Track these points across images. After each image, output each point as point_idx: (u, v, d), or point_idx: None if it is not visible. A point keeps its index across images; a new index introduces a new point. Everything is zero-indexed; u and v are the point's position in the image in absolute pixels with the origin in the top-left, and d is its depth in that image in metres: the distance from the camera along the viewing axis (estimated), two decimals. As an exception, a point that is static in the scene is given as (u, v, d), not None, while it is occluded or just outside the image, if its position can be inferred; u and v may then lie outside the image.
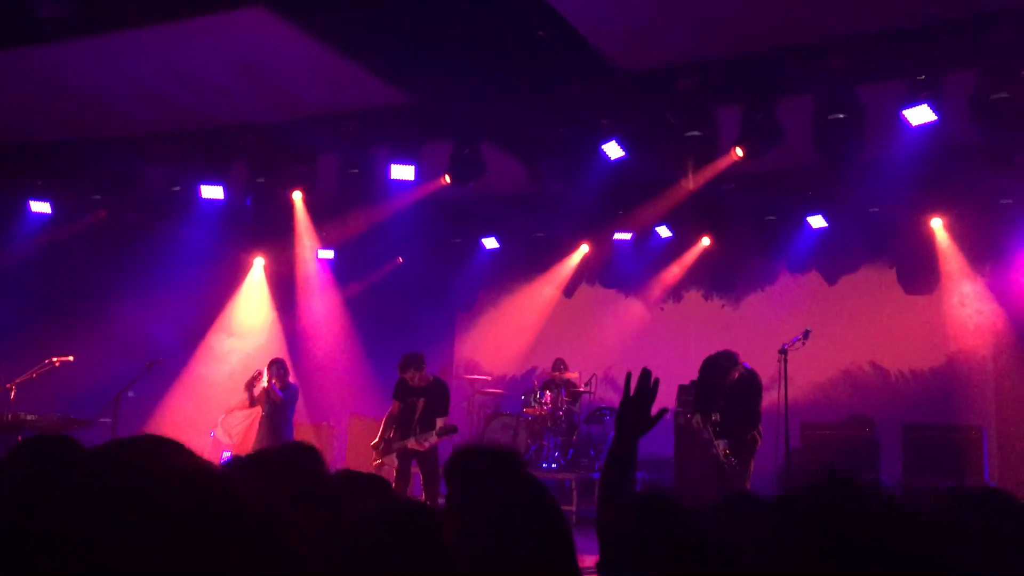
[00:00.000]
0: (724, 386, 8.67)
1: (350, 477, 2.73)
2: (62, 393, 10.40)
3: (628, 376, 2.86)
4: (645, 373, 2.87)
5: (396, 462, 9.07)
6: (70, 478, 1.12)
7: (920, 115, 8.27)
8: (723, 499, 2.66)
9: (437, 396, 9.11)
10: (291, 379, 10.85)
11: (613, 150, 9.67)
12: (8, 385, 9.93)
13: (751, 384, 8.71)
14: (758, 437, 8.70)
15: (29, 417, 9.52)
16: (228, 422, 11.32)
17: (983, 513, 2.15)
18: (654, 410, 2.88)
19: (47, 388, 10.16)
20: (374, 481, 2.78)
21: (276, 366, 10.66)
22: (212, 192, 11.16)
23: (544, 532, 2.29)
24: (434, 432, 8.92)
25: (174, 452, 2.12)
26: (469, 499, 2.39)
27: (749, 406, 8.63)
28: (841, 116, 8.46)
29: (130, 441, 2.14)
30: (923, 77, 8.15)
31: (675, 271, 13.41)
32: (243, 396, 10.65)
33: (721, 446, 8.63)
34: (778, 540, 1.30)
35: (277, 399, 10.28)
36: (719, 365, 8.72)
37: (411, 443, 8.94)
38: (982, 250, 11.49)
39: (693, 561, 2.23)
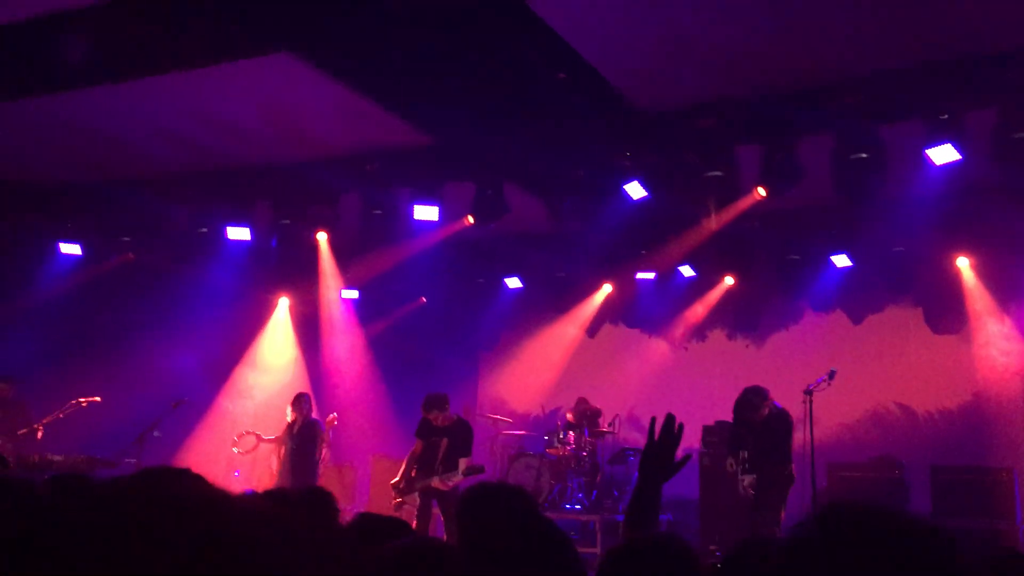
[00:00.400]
0: (755, 423, 8.64)
1: (369, 520, 2.73)
2: (89, 433, 10.47)
3: (652, 421, 2.85)
4: (670, 419, 2.85)
5: (418, 501, 9.02)
6: (86, 512, 1.14)
7: (944, 154, 8.24)
8: (739, 544, 2.62)
9: (460, 436, 9.08)
10: (314, 414, 10.87)
11: (635, 190, 9.69)
12: (35, 425, 10.02)
13: (781, 421, 8.70)
14: (790, 477, 8.63)
15: (55, 458, 9.59)
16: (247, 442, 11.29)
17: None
18: (678, 455, 2.86)
19: (74, 428, 10.24)
20: (393, 524, 2.78)
21: (302, 401, 10.71)
22: (238, 233, 11.30)
23: (558, 568, 2.27)
24: (459, 472, 8.88)
25: (194, 483, 2.14)
26: (484, 535, 2.37)
27: (778, 443, 8.58)
28: (863, 155, 8.45)
29: (153, 472, 2.17)
30: (945, 116, 8.13)
31: (699, 310, 13.35)
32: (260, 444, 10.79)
33: (746, 480, 8.57)
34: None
35: (328, 440, 10.48)
36: (749, 402, 8.72)
37: (435, 482, 8.90)
38: (1009, 289, 11.37)
39: None
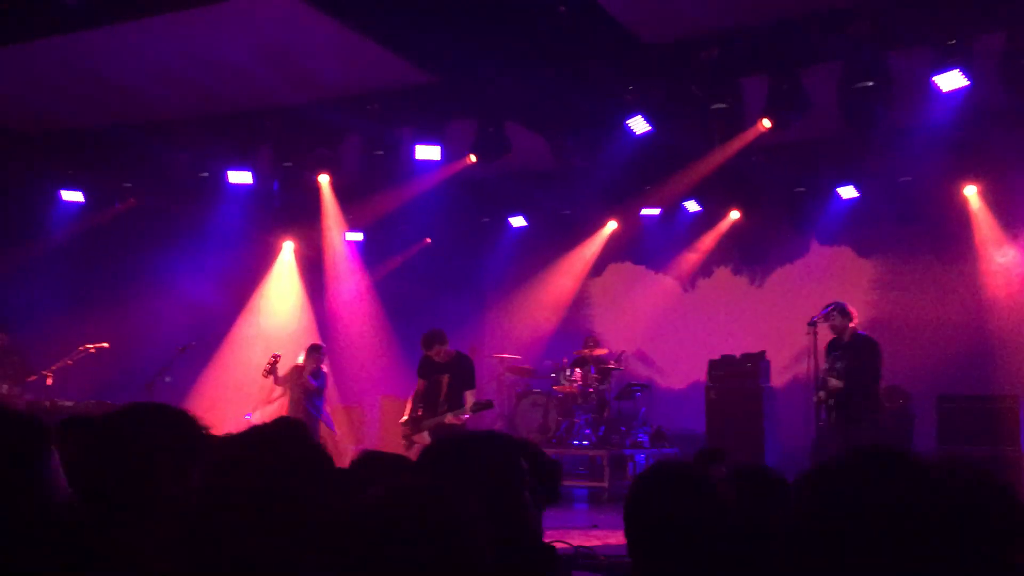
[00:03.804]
0: (842, 343, 8.63)
1: (372, 457, 2.75)
2: (99, 379, 10.56)
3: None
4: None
5: (428, 440, 9.08)
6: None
7: (951, 80, 8.13)
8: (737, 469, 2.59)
9: (462, 370, 9.11)
10: (324, 367, 10.83)
11: (639, 125, 9.59)
12: (45, 372, 10.11)
13: (865, 344, 8.69)
14: (878, 404, 8.61)
15: (66, 403, 9.71)
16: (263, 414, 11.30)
17: None
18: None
19: (84, 374, 10.32)
20: (395, 460, 2.79)
21: (315, 352, 10.66)
22: (240, 177, 11.24)
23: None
24: (468, 407, 8.93)
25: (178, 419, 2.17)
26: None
27: (865, 362, 8.56)
28: (869, 83, 8.32)
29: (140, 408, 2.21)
30: (953, 42, 8.00)
31: (704, 245, 13.30)
32: (265, 384, 10.67)
33: (830, 383, 8.55)
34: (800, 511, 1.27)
35: (310, 387, 10.29)
36: (832, 317, 8.71)
37: (449, 417, 8.93)
38: (1017, 217, 11.28)
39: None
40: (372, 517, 1.53)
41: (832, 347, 8.87)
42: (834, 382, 8.60)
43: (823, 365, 8.82)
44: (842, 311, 8.82)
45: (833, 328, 8.83)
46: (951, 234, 11.69)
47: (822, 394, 8.74)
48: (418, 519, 1.51)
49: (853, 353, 8.67)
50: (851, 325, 8.81)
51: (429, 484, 1.68)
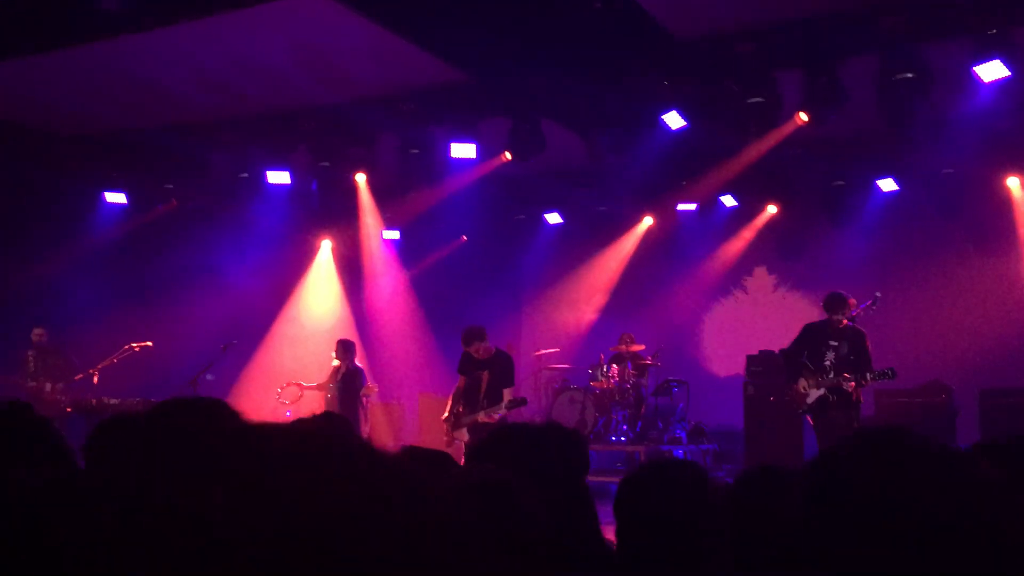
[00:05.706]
0: (831, 328, 8.55)
1: (415, 454, 2.78)
2: (144, 377, 10.73)
3: None
4: None
5: (467, 437, 9.14)
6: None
7: (992, 71, 8.02)
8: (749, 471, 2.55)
9: (501, 368, 9.15)
10: (357, 361, 11.00)
11: (674, 120, 9.57)
12: (91, 371, 10.30)
13: (859, 333, 8.58)
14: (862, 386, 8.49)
15: (112, 401, 9.90)
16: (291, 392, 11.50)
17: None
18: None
19: (128, 373, 10.50)
20: (438, 457, 2.82)
21: (347, 348, 10.84)
22: (278, 177, 11.37)
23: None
24: (503, 404, 8.97)
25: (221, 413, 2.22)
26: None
27: (860, 351, 8.47)
28: (909, 75, 8.24)
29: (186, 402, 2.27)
30: (994, 31, 7.89)
31: (741, 240, 13.24)
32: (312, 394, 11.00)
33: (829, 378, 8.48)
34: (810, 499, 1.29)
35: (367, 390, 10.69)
36: (830, 306, 8.60)
37: (481, 416, 9.00)
38: (1062, 208, 11.12)
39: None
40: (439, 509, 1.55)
41: (823, 334, 8.70)
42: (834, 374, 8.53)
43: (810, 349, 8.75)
44: (843, 299, 8.66)
45: (833, 315, 8.66)
46: (993, 226, 11.55)
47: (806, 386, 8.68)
48: (486, 510, 1.52)
49: (849, 342, 8.54)
50: (846, 313, 8.67)
51: (497, 476, 1.68)
